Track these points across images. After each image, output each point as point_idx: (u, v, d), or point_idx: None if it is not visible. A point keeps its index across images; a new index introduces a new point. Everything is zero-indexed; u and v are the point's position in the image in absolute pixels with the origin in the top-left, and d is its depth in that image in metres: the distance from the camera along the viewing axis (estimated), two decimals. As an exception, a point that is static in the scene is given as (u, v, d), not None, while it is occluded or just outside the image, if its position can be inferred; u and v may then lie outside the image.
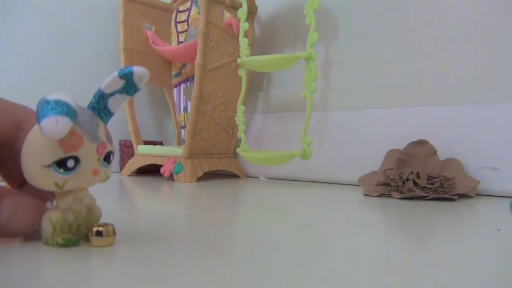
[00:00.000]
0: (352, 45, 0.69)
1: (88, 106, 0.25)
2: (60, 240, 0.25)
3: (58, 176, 0.23)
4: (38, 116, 0.21)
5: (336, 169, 0.68)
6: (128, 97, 0.26)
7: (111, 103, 0.25)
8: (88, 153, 0.24)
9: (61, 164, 0.23)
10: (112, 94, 0.25)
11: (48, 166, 0.23)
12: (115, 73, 0.24)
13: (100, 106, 0.25)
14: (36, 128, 0.23)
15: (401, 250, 0.28)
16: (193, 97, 0.68)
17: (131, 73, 0.24)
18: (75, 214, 0.26)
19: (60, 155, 0.23)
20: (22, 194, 0.26)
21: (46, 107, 0.21)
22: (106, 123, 0.26)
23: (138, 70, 0.25)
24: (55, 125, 0.21)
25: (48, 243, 0.25)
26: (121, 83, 0.25)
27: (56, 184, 0.23)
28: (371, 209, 0.45)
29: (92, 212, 0.27)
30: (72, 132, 0.23)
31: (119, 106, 0.26)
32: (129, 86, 0.25)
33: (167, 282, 0.20)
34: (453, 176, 0.51)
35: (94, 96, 0.25)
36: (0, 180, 0.29)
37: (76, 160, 0.23)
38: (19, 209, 0.24)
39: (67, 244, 0.25)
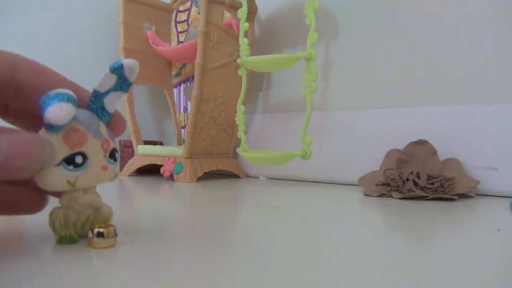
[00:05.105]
0: (352, 45, 0.69)
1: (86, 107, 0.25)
2: (57, 237, 0.26)
3: (69, 173, 0.24)
4: (41, 109, 0.22)
5: (336, 169, 0.68)
6: (123, 94, 0.26)
7: (107, 102, 0.26)
8: (94, 148, 0.25)
9: (69, 161, 0.24)
10: (107, 93, 0.25)
11: (58, 164, 0.23)
12: (106, 70, 0.25)
13: (98, 107, 0.25)
14: (41, 131, 0.24)
15: (401, 250, 0.28)
16: (193, 97, 0.68)
17: (121, 66, 0.25)
18: (76, 213, 0.26)
19: (67, 152, 0.24)
20: (21, 130, 0.23)
21: (48, 98, 0.22)
22: (105, 123, 0.26)
23: (128, 61, 0.25)
24: (59, 111, 0.22)
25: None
26: (113, 78, 0.25)
27: (69, 182, 0.24)
28: (371, 209, 0.45)
29: (99, 212, 0.27)
30: (75, 130, 0.24)
31: (115, 105, 0.26)
32: (121, 81, 0.25)
33: (168, 283, 0.20)
34: (453, 176, 0.51)
35: (91, 97, 0.25)
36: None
37: (84, 156, 0.24)
38: (17, 144, 0.22)
39: (63, 241, 0.26)
